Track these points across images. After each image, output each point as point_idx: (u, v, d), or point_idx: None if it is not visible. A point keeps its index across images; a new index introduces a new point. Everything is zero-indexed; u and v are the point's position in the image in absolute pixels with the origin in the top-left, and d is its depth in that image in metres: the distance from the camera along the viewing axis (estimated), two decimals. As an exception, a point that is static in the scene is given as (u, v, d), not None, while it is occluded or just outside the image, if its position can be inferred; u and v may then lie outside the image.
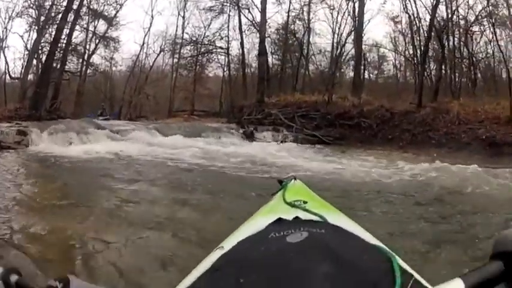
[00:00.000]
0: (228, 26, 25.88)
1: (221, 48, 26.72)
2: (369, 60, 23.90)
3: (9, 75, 23.98)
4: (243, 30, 24.75)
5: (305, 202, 1.22)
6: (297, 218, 1.03)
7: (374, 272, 0.65)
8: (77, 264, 3.09)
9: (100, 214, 4.43)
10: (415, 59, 19.09)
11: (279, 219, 1.01)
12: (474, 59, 18.23)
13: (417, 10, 17.92)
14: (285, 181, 1.67)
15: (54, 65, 19.51)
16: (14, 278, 0.64)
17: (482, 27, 17.77)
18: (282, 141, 14.34)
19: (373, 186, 6.50)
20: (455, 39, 17.29)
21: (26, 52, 23.79)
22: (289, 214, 1.07)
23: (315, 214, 1.06)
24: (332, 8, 22.10)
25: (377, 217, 4.57)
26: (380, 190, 6.09)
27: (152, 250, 3.41)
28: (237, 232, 1.11)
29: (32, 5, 22.90)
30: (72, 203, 5.01)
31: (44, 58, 22.41)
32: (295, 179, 1.72)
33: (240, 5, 24.28)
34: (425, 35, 16.50)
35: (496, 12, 16.94)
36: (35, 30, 23.28)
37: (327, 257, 0.68)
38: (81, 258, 3.17)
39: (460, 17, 16.98)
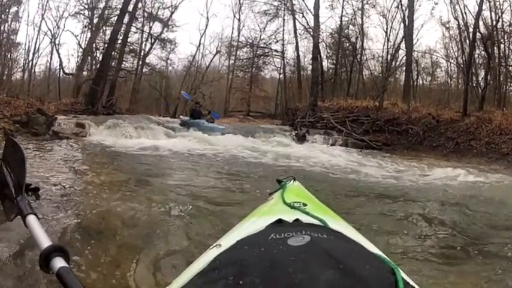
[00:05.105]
0: (284, 30, 25.98)
1: (276, 51, 26.83)
2: (422, 66, 23.41)
3: (63, 71, 24.58)
4: (298, 34, 24.73)
5: (305, 204, 1.22)
6: (297, 220, 1.02)
7: (378, 283, 0.65)
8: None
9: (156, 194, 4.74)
10: (464, 66, 18.05)
11: (279, 220, 1.00)
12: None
13: (466, 16, 17.06)
14: (284, 181, 1.67)
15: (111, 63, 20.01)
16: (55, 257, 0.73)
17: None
18: (331, 145, 14.34)
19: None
20: (502, 46, 16.23)
21: (80, 50, 24.36)
22: (289, 215, 1.07)
23: (316, 218, 1.05)
24: (383, 14, 21.79)
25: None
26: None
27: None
28: (235, 230, 1.11)
29: (85, 7, 23.60)
30: (125, 184, 5.32)
31: (98, 55, 23.41)
32: (294, 179, 1.72)
33: (294, 9, 24.13)
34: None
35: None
36: (88, 30, 23.77)
37: (330, 264, 0.68)
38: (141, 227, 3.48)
39: (507, 23, 16.00)
